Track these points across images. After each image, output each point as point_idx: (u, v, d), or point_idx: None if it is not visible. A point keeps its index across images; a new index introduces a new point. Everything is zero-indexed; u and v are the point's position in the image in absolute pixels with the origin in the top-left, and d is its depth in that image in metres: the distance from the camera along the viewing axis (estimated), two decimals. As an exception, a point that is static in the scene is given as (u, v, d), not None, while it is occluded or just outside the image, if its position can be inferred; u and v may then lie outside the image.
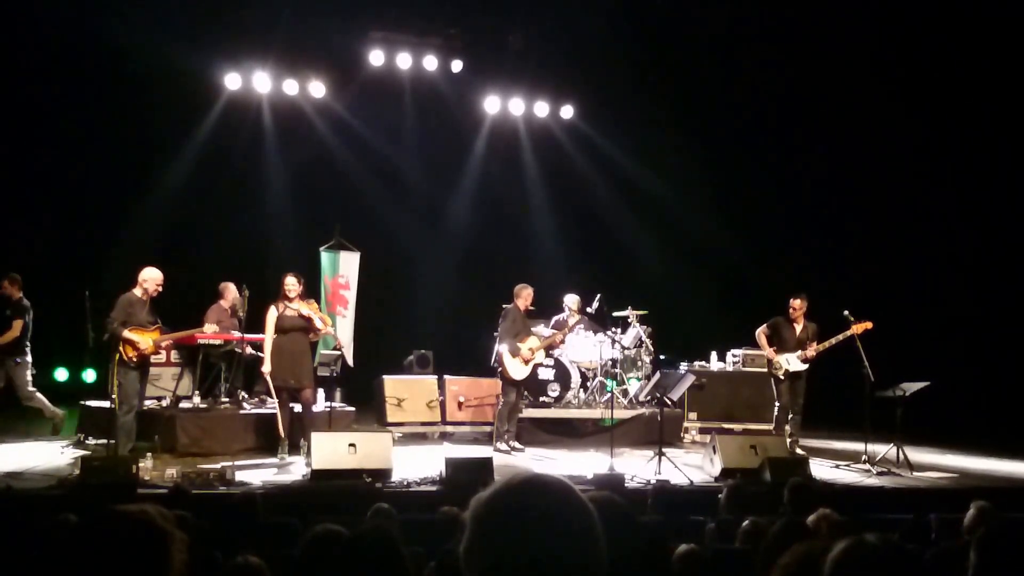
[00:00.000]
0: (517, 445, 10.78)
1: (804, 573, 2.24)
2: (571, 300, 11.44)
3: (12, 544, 4.37)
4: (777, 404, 10.97)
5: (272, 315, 9.60)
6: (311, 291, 10.86)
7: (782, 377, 10.73)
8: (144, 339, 9.10)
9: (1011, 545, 2.82)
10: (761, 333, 10.98)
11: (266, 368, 9.57)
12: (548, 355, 11.51)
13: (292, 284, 9.59)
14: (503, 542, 1.57)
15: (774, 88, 14.24)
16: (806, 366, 10.70)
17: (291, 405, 9.69)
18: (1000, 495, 7.77)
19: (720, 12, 13.44)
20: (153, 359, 9.72)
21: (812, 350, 10.60)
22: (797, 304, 10.80)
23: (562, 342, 11.40)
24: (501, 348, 10.83)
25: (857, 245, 14.80)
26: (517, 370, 10.74)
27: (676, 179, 15.06)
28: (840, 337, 10.41)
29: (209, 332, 10.25)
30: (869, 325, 10.26)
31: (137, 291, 9.22)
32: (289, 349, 9.54)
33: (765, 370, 11.15)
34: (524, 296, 10.95)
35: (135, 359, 9.08)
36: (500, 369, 10.85)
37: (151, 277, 9.22)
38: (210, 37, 12.90)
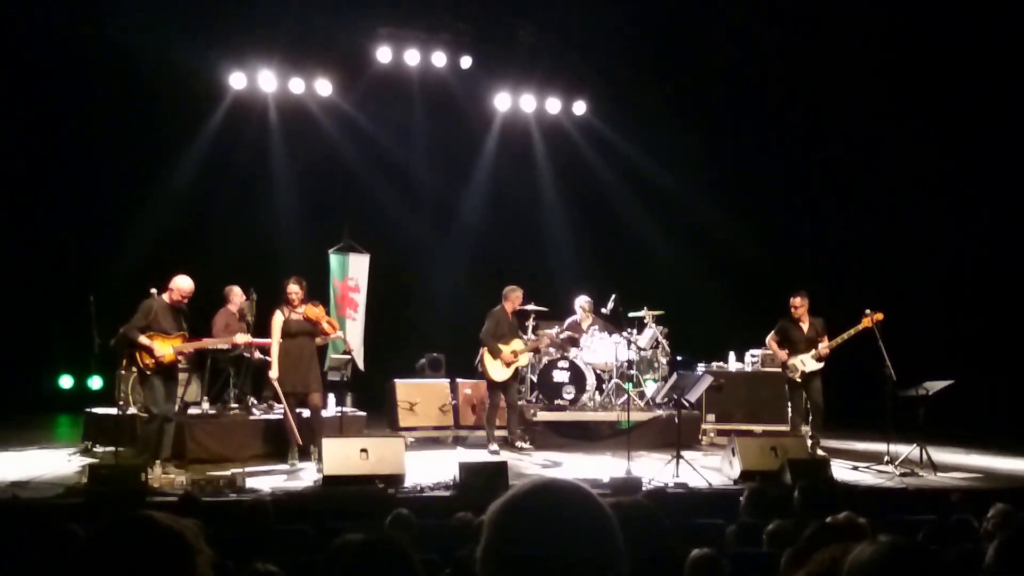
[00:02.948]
0: (525, 446, 10.71)
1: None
2: (583, 301, 11.28)
3: (19, 555, 4.27)
4: (791, 407, 10.80)
5: (278, 320, 9.47)
6: (320, 294, 10.73)
7: (798, 380, 10.52)
8: (162, 346, 8.77)
9: None
10: (771, 340, 10.78)
11: (273, 373, 9.45)
12: (564, 357, 11.38)
13: (295, 291, 9.45)
14: (520, 546, 1.59)
15: (795, 82, 14.02)
16: (821, 364, 10.48)
17: (300, 410, 9.56)
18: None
19: (737, 3, 13.24)
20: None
21: (825, 347, 10.38)
22: (797, 302, 10.57)
23: (549, 345, 11.26)
24: (483, 350, 10.78)
25: (879, 243, 14.54)
26: (497, 372, 10.66)
27: (692, 176, 14.86)
28: (852, 331, 10.18)
29: (242, 340, 9.90)
30: (880, 316, 10.03)
31: (164, 297, 8.94)
32: (296, 354, 9.42)
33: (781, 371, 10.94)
34: (512, 298, 10.88)
35: (151, 366, 8.76)
36: (481, 371, 10.79)
37: (179, 287, 8.94)
38: (214, 36, 12.74)
